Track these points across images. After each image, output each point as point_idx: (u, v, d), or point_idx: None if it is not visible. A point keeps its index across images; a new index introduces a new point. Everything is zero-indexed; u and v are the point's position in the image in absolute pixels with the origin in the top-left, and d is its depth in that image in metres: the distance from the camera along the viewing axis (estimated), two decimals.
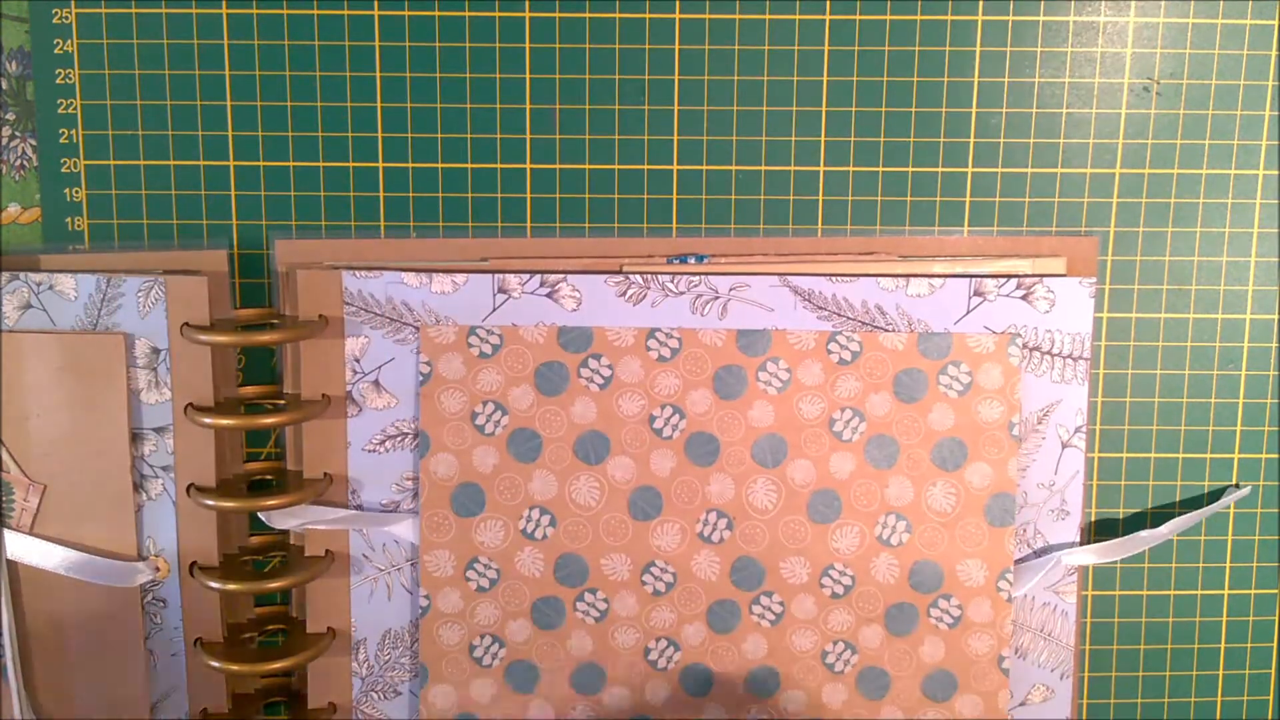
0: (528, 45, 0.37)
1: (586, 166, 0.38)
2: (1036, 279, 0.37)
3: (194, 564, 0.38)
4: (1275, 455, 0.40)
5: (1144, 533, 0.38)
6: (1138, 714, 0.41)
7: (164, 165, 0.38)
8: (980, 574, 0.38)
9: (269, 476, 0.39)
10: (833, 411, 0.37)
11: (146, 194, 0.38)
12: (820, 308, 0.37)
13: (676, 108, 0.38)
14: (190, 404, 0.37)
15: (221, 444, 0.38)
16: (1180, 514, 0.39)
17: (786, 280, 0.37)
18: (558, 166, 0.38)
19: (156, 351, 0.37)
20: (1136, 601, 0.40)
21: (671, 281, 0.37)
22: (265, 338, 0.36)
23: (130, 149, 0.38)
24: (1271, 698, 0.41)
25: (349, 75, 0.38)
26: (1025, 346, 0.37)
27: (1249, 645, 0.41)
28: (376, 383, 0.38)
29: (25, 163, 0.38)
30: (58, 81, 0.38)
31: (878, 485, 0.38)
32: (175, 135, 0.38)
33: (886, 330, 0.37)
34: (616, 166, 0.38)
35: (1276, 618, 0.41)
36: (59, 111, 0.38)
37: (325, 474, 0.38)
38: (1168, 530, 0.38)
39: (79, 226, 0.38)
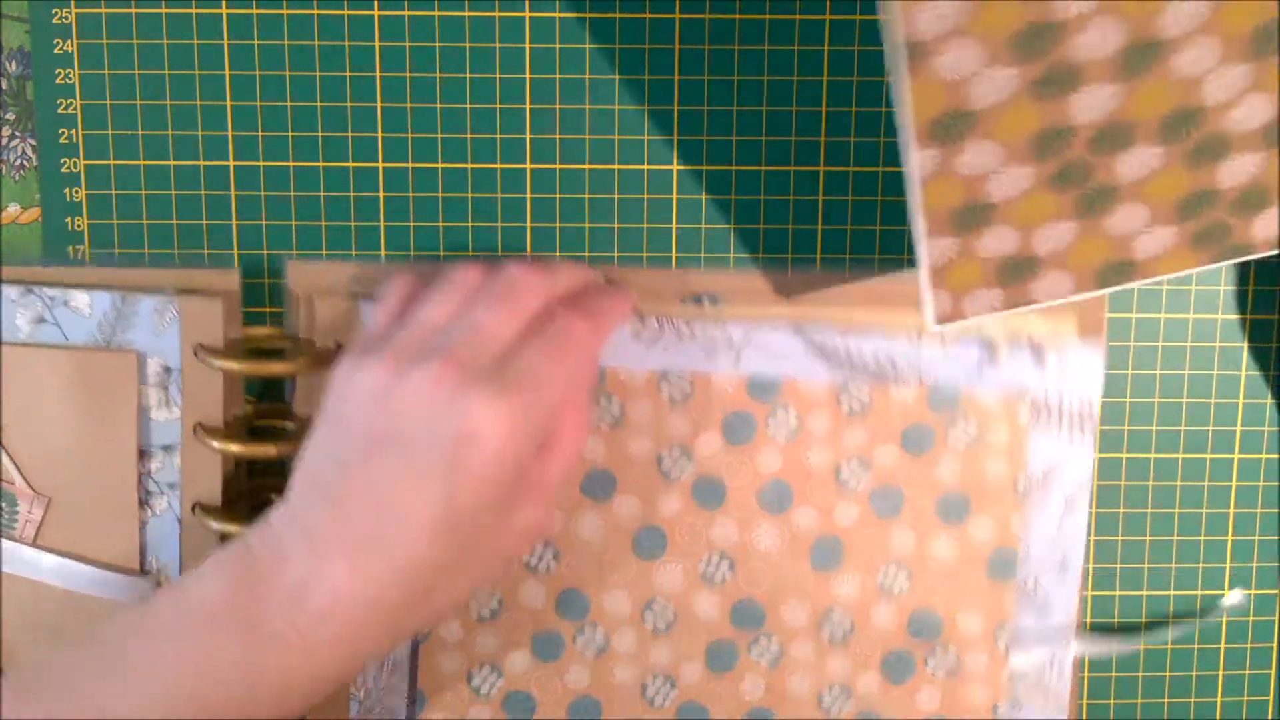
0: (528, 45, 0.37)
1: (586, 166, 0.38)
2: (1048, 341, 0.37)
3: None
4: (1275, 455, 0.40)
5: (1144, 635, 0.40)
6: (1138, 714, 0.41)
7: (164, 165, 0.38)
8: (978, 627, 0.38)
9: (274, 496, 0.39)
10: (840, 460, 0.38)
11: (146, 194, 0.38)
12: (831, 358, 0.37)
13: (676, 108, 0.38)
14: (199, 424, 0.37)
15: (228, 464, 0.38)
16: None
17: (800, 329, 0.37)
18: (558, 166, 0.38)
19: (168, 370, 0.37)
20: (1136, 601, 0.40)
21: (686, 325, 0.37)
22: (279, 369, 0.37)
23: (130, 149, 0.38)
24: (1271, 698, 0.41)
25: (349, 75, 0.38)
26: (1034, 406, 0.37)
27: (1249, 645, 0.41)
28: None
29: (25, 163, 0.38)
30: (58, 81, 0.38)
31: (881, 534, 0.38)
32: (175, 135, 0.38)
33: (897, 384, 0.37)
34: (616, 166, 0.38)
35: (1276, 618, 0.41)
36: (59, 111, 0.38)
37: None
38: (1166, 634, 0.40)
39: (79, 226, 0.38)
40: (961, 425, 0.37)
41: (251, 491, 0.39)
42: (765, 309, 0.37)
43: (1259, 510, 0.40)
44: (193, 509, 0.37)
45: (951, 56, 0.29)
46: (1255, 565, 0.40)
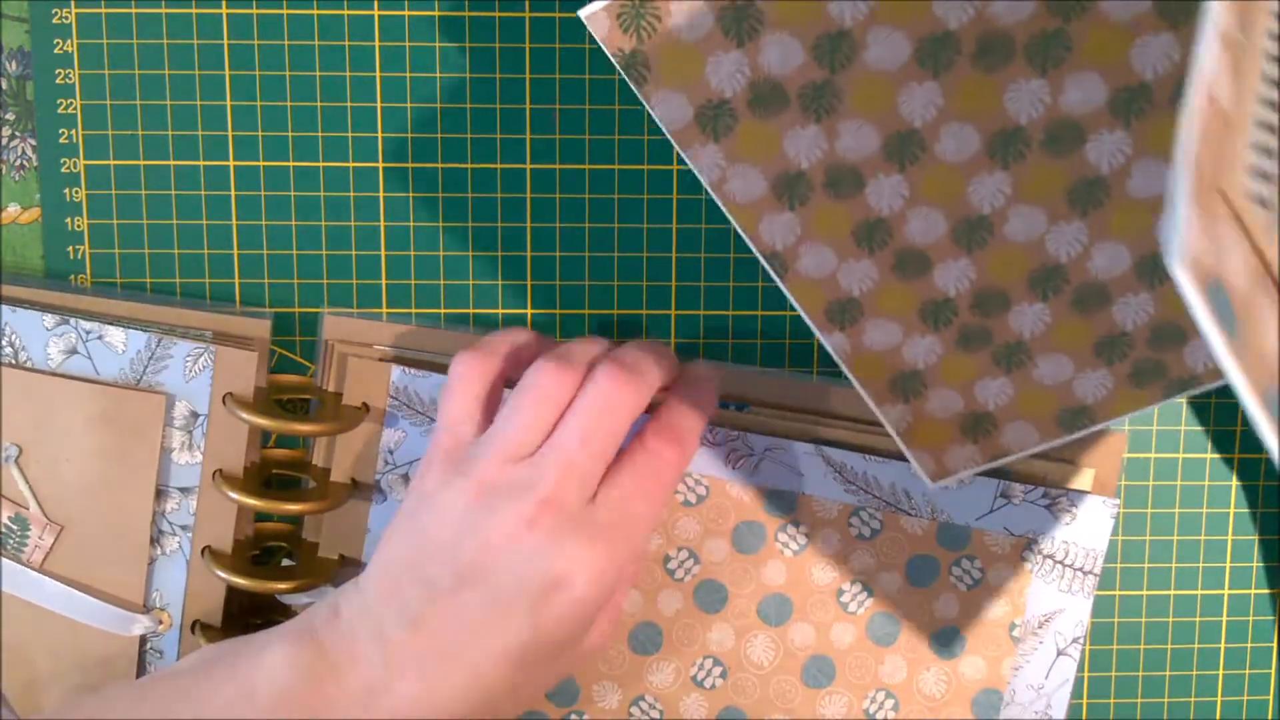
0: (528, 45, 0.37)
1: (586, 166, 0.38)
2: (1063, 492, 0.37)
3: (196, 622, 0.38)
4: None
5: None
6: (1138, 714, 0.41)
7: (164, 165, 0.38)
8: None
9: (283, 544, 0.40)
10: (843, 582, 0.38)
11: (146, 194, 0.38)
12: (849, 481, 0.37)
13: None
14: (219, 471, 0.37)
15: (242, 513, 0.38)
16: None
17: (821, 450, 0.37)
18: (558, 166, 0.38)
19: (195, 415, 0.37)
20: (1136, 601, 0.40)
21: (710, 433, 0.37)
22: (307, 429, 0.37)
23: (130, 149, 0.38)
24: (1271, 698, 0.41)
25: (349, 75, 0.38)
26: (1040, 553, 0.37)
27: (1249, 645, 0.41)
28: (406, 476, 0.38)
29: (25, 163, 0.38)
30: (58, 81, 0.38)
31: (874, 659, 0.38)
32: (175, 135, 0.38)
33: (909, 514, 0.37)
34: (616, 166, 0.38)
35: (1276, 618, 0.41)
36: (59, 111, 0.38)
37: (340, 555, 0.38)
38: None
39: (79, 226, 0.38)
40: (966, 563, 0.37)
41: (257, 536, 0.39)
42: (790, 425, 0.37)
43: (1259, 510, 0.40)
44: (203, 552, 0.38)
45: (808, 260, 0.32)
46: (1255, 565, 0.40)
